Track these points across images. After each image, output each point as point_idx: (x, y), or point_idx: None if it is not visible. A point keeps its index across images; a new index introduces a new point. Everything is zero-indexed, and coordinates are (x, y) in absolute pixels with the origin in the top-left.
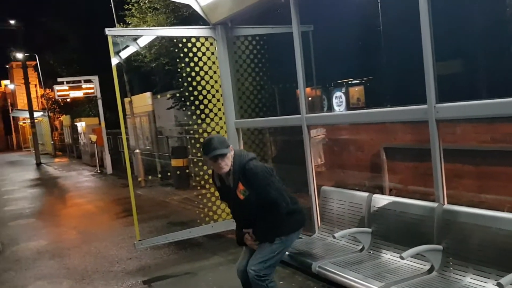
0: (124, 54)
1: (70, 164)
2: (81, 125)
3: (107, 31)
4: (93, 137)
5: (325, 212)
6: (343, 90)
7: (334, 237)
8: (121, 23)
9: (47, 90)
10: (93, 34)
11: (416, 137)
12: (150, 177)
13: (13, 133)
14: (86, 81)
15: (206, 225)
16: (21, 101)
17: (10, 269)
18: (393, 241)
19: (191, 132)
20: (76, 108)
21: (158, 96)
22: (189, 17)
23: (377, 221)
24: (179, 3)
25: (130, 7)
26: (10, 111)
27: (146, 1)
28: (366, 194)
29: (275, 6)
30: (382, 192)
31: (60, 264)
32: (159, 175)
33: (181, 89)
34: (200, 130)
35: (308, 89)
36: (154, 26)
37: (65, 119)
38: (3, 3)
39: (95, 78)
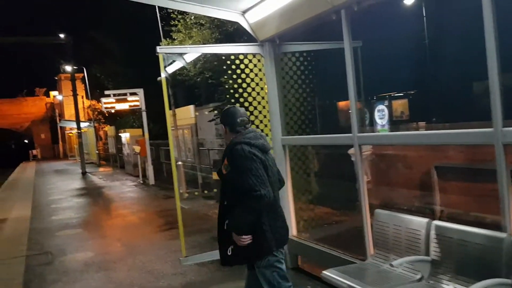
0: (171, 69)
1: (114, 173)
2: (125, 136)
3: (158, 49)
4: (137, 148)
5: (379, 237)
6: (386, 103)
7: (391, 265)
8: (167, 38)
9: (93, 101)
10: (139, 48)
11: (471, 156)
12: (195, 192)
13: (60, 142)
14: (131, 94)
15: None
16: (68, 112)
17: (59, 280)
18: (455, 271)
19: None
20: (120, 119)
21: (206, 112)
22: (234, 33)
23: (437, 249)
24: (228, 20)
25: (176, 22)
26: (58, 121)
27: (192, 17)
28: (425, 220)
29: (325, 23)
30: (432, 213)
31: (107, 278)
32: (201, 188)
33: (223, 102)
34: None
35: (347, 103)
36: (200, 41)
37: (110, 129)
38: (54, 18)
39: (140, 91)
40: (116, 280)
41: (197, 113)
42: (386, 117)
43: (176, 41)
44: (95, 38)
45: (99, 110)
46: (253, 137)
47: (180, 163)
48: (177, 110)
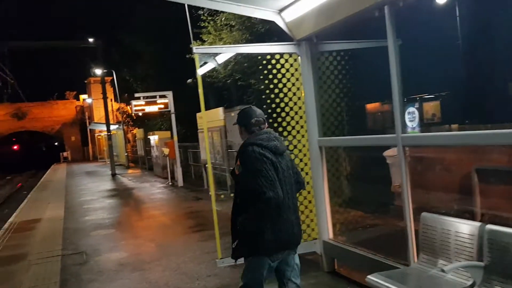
0: (202, 70)
1: (143, 175)
2: (154, 138)
3: (195, 49)
4: (166, 150)
5: (426, 241)
6: (416, 105)
7: (443, 271)
8: (197, 40)
9: (122, 104)
10: (167, 51)
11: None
12: (221, 195)
13: (89, 145)
14: (161, 96)
15: None
16: (97, 115)
17: (95, 280)
18: (510, 277)
19: None
20: (148, 122)
21: (232, 114)
22: (265, 33)
23: (491, 254)
24: (263, 20)
25: (206, 24)
26: (88, 124)
27: (223, 18)
28: (478, 224)
29: (365, 21)
30: (473, 217)
31: (142, 278)
32: (229, 190)
33: (252, 104)
34: None
35: (376, 104)
36: (230, 42)
37: (138, 132)
38: (84, 22)
39: (169, 94)
40: (152, 280)
41: (225, 115)
42: (417, 119)
43: (206, 43)
44: (124, 42)
45: (127, 113)
46: (266, 139)
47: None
48: (206, 112)
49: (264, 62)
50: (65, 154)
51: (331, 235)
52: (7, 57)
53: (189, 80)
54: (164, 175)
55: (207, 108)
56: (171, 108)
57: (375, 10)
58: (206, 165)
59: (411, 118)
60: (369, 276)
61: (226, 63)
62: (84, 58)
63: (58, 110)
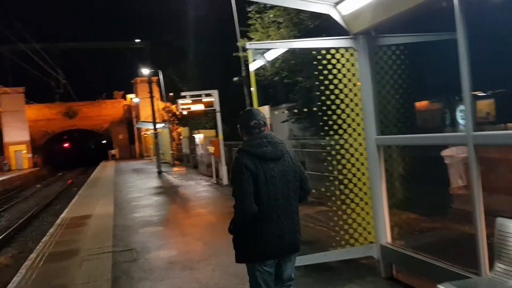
0: (252, 67)
1: (187, 173)
2: (199, 137)
3: (248, 45)
4: (211, 149)
5: (502, 249)
6: None
7: None
8: (244, 38)
9: (168, 103)
10: (213, 51)
11: None
12: None
13: (136, 143)
14: (206, 95)
15: (341, 249)
16: (144, 114)
17: (146, 278)
18: None
19: (327, 146)
20: (193, 121)
21: (276, 112)
22: (314, 30)
23: None
24: (318, 13)
25: (254, 22)
26: (134, 123)
27: (271, 16)
28: None
29: (430, 12)
30: None
31: (193, 277)
32: None
33: (297, 102)
34: (338, 147)
35: (425, 102)
36: (277, 40)
37: (184, 130)
38: (133, 24)
39: (215, 92)
40: (202, 280)
41: (271, 114)
42: None
43: (253, 40)
44: (170, 42)
45: (173, 112)
46: (256, 145)
47: None
48: None
49: (319, 57)
50: (113, 152)
51: (389, 239)
52: (58, 57)
53: (235, 78)
54: (208, 173)
55: (253, 106)
56: (217, 106)
57: (442, 1)
58: None
59: (463, 116)
60: (439, 286)
61: (274, 60)
62: (131, 58)
63: (107, 109)
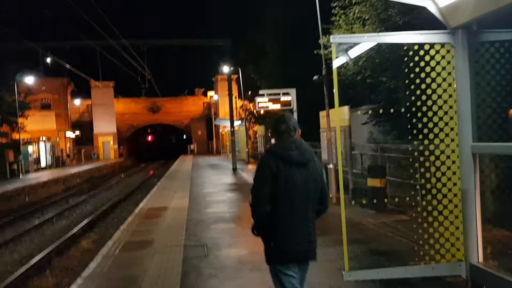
0: (335, 64)
1: None
2: None
3: (332, 38)
4: None
5: None
6: None
7: None
8: (327, 35)
9: (245, 102)
10: (293, 49)
11: None
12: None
13: (214, 139)
14: (284, 94)
15: (425, 265)
16: (222, 111)
17: (215, 276)
18: None
19: (414, 151)
20: (269, 120)
21: (358, 113)
22: (402, 26)
23: None
24: (414, 5)
25: (337, 18)
26: (213, 120)
27: (356, 11)
28: None
29: None
30: None
31: (262, 280)
32: (351, 193)
33: (379, 103)
34: (427, 152)
35: None
36: None
37: (259, 129)
38: (215, 22)
39: (293, 91)
40: (271, 284)
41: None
42: None
43: None
44: (251, 41)
45: (250, 110)
46: (284, 148)
47: (331, 166)
48: (330, 111)
49: (411, 53)
50: (191, 147)
51: (480, 258)
52: (145, 54)
53: (315, 77)
54: None
55: (331, 106)
56: (294, 106)
57: None
58: (328, 166)
59: None
60: None
61: (357, 58)
62: (213, 56)
63: (188, 105)
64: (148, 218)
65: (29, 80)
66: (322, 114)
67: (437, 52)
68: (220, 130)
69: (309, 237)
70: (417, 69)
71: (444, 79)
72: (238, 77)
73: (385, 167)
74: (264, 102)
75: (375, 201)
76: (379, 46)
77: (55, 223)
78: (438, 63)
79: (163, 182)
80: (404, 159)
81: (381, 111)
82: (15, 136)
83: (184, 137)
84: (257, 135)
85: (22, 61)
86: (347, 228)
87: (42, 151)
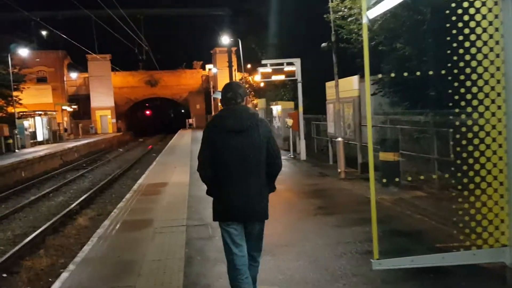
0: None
1: None
2: (276, 108)
3: None
4: (289, 121)
5: None
6: None
7: None
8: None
9: (245, 74)
10: (297, 17)
11: None
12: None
13: (213, 113)
14: (288, 64)
15: (465, 251)
16: (221, 84)
17: (222, 261)
18: None
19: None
20: (270, 92)
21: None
22: None
23: None
24: None
25: None
26: (212, 93)
27: None
28: None
29: None
30: None
31: (274, 265)
32: (360, 168)
33: (391, 72)
34: (470, 122)
35: None
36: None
37: (260, 102)
38: None
39: (297, 61)
40: (285, 271)
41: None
42: None
43: (346, 0)
44: (251, 10)
45: (249, 83)
46: (222, 116)
47: (340, 139)
48: (340, 81)
49: (453, 5)
50: (190, 121)
51: None
52: (142, 24)
53: (324, 44)
54: (285, 147)
55: (340, 76)
56: (298, 76)
57: None
58: (334, 139)
59: None
60: None
61: (372, 22)
62: (212, 26)
63: (186, 79)
64: (148, 195)
65: (23, 52)
66: (329, 84)
67: (483, 4)
68: (219, 104)
69: (249, 198)
70: (460, 24)
71: (491, 36)
72: (238, 49)
73: (398, 140)
74: (266, 73)
75: (384, 180)
76: (402, 6)
77: (51, 199)
78: (484, 16)
79: (162, 157)
80: (416, 131)
81: (392, 74)
82: (11, 110)
83: (183, 111)
84: (257, 109)
85: (16, 32)
86: (362, 206)
87: (38, 125)
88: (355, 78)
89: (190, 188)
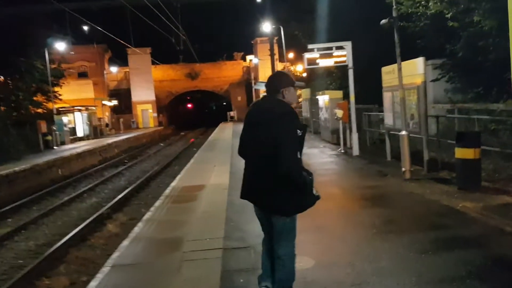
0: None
1: (309, 139)
2: (323, 98)
3: None
4: (339, 113)
5: None
6: None
7: None
8: None
9: (287, 64)
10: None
11: None
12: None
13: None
14: (337, 48)
15: None
16: (262, 75)
17: None
18: None
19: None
20: (314, 82)
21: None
22: None
23: None
24: None
25: None
26: (253, 84)
27: None
28: None
29: None
30: None
31: None
32: (426, 166)
33: (459, 54)
34: None
35: None
36: None
37: (304, 92)
38: None
39: (348, 44)
40: None
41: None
42: None
43: None
44: None
45: (292, 73)
46: (249, 108)
47: (404, 133)
48: (403, 64)
49: None
50: (231, 113)
51: None
52: (179, 12)
53: (384, 21)
54: (333, 141)
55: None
56: (350, 62)
57: None
58: (391, 132)
59: None
60: None
61: None
62: (253, 14)
63: (227, 70)
64: (180, 202)
65: (61, 46)
66: (386, 70)
67: None
68: (261, 95)
69: (258, 188)
70: None
71: None
72: (279, 38)
73: (479, 134)
74: (313, 59)
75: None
76: None
77: (84, 200)
78: None
79: (201, 154)
80: (493, 121)
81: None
82: (51, 106)
83: (224, 103)
84: (300, 99)
85: (52, 26)
86: (441, 218)
87: (78, 121)
88: (419, 61)
89: (230, 192)
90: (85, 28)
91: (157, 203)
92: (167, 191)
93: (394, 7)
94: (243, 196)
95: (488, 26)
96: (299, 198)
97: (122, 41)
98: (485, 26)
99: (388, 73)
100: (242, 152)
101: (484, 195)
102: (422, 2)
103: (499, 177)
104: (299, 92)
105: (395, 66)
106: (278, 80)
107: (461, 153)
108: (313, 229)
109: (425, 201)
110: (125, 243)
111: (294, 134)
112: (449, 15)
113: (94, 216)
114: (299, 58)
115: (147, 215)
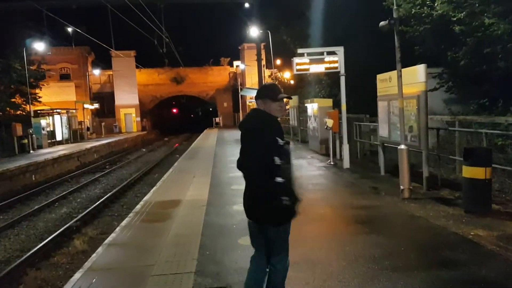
0: None
1: (296, 149)
2: (312, 106)
3: None
4: (330, 122)
5: None
6: None
7: None
8: None
9: (274, 70)
10: (334, 5)
11: None
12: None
13: (240, 111)
14: (329, 53)
15: None
16: (249, 81)
17: None
18: None
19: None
20: (302, 90)
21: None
22: None
23: None
24: None
25: None
26: (240, 90)
27: None
28: None
29: None
30: None
31: None
32: (426, 183)
33: (461, 62)
34: None
35: None
36: None
37: (291, 100)
38: None
39: (340, 50)
40: None
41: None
42: None
43: None
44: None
45: (279, 80)
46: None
47: (403, 147)
48: (403, 71)
49: None
50: (217, 119)
51: None
52: (162, 13)
53: (383, 23)
54: (321, 151)
55: (394, 68)
56: (341, 68)
57: None
58: (401, 148)
59: None
60: None
61: None
62: (239, 19)
63: (213, 76)
64: (151, 221)
65: (39, 46)
66: (381, 77)
67: None
68: (247, 102)
69: (249, 197)
70: None
71: None
72: (267, 43)
73: (491, 151)
74: (303, 64)
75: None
76: None
77: (54, 210)
78: None
79: (181, 162)
80: (500, 136)
81: (462, 61)
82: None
83: (210, 109)
84: (288, 107)
85: (33, 27)
86: (452, 251)
87: (57, 124)
88: (420, 68)
89: (208, 210)
90: (69, 29)
91: (124, 222)
92: (138, 206)
93: (395, 7)
94: (246, 213)
95: (501, 30)
96: (288, 206)
97: (103, 44)
98: (497, 30)
99: (384, 81)
100: (238, 166)
101: (496, 220)
102: (427, 3)
103: (508, 198)
104: (285, 100)
105: (391, 73)
106: (259, 91)
107: (470, 172)
108: (304, 264)
109: (431, 227)
110: (77, 275)
111: (268, 139)
112: (455, 18)
113: (61, 229)
114: (286, 65)
115: (110, 238)
